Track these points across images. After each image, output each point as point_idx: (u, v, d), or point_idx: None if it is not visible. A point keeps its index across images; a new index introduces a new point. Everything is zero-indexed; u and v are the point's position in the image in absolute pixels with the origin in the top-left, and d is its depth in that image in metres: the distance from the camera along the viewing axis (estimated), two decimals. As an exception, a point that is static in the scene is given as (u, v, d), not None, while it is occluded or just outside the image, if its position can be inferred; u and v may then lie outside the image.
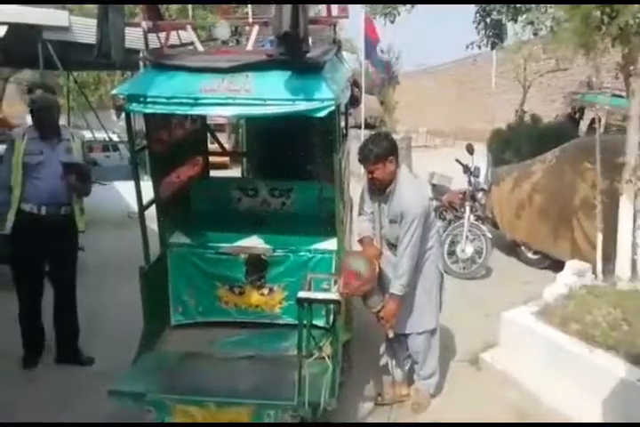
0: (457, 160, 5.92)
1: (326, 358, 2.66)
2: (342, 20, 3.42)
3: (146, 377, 2.76)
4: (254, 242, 3.21)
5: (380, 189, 2.89)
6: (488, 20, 5.82)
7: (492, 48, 6.48)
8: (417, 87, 25.17)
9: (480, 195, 5.92)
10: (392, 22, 5.87)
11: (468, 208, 5.53)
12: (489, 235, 5.41)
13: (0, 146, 4.40)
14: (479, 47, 6.32)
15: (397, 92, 20.98)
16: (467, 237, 5.41)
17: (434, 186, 6.38)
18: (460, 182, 6.16)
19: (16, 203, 3.34)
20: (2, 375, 3.42)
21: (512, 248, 5.98)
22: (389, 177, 2.82)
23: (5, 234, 3.41)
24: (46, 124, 3.40)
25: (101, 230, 6.45)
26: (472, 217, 5.55)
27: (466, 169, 5.82)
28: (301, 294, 2.56)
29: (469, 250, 5.41)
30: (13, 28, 6.15)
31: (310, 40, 2.64)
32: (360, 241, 3.01)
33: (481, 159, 6.53)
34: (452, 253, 5.49)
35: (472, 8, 6.02)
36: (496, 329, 3.70)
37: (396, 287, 2.80)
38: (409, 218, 2.75)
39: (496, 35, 6.01)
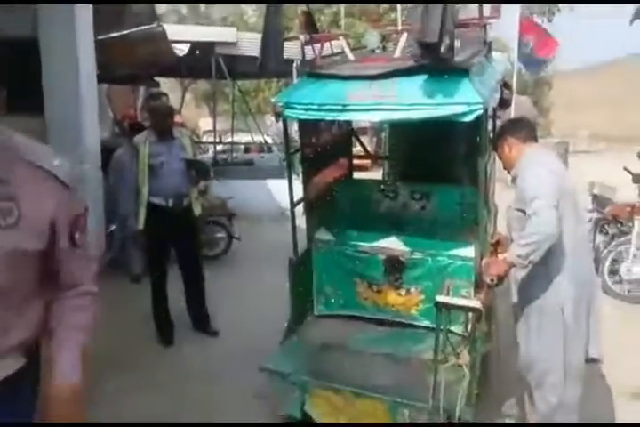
0: (625, 168, 5.36)
1: (464, 366, 2.60)
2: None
3: (290, 359, 3.00)
4: (393, 243, 3.26)
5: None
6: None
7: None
8: (575, 87, 23.09)
9: (654, 208, 5.28)
10: (550, 21, 5.51)
11: (637, 223, 4.98)
12: (663, 254, 4.82)
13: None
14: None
15: (553, 92, 19.42)
16: (634, 255, 4.91)
17: (595, 197, 5.85)
18: (627, 194, 5.57)
19: (145, 200, 3.85)
20: (146, 356, 3.86)
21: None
22: (511, 160, 2.68)
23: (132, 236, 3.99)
24: (165, 127, 3.89)
25: (255, 223, 7.12)
26: (642, 233, 4.99)
27: (637, 179, 5.25)
28: (440, 298, 2.52)
29: (637, 270, 4.89)
30: (194, 45, 7.46)
31: (459, 43, 2.63)
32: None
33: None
34: (614, 271, 4.99)
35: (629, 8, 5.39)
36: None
37: (514, 253, 2.34)
38: (527, 198, 2.34)
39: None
